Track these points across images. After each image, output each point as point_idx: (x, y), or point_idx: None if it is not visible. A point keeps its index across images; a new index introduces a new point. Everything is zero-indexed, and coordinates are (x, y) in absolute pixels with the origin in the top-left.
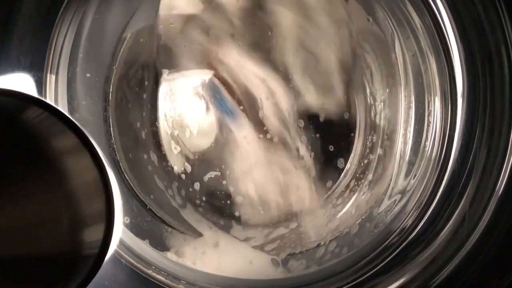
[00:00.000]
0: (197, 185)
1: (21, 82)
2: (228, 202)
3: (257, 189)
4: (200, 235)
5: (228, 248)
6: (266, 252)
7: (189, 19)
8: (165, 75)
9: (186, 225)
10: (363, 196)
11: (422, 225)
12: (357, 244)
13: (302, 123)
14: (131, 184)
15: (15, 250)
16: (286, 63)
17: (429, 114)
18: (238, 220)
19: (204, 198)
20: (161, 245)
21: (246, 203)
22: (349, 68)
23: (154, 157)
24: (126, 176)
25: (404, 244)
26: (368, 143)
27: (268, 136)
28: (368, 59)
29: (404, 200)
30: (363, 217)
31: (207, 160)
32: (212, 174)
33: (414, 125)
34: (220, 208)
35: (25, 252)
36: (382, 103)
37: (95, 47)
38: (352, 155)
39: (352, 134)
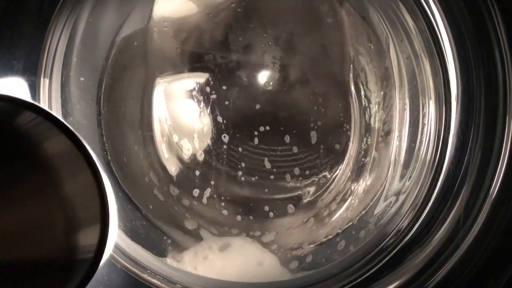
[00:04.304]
0: (195, 192)
1: (14, 86)
2: (228, 209)
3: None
4: (200, 240)
5: (229, 253)
6: (269, 254)
7: (182, 22)
8: (159, 78)
9: (185, 230)
10: (359, 198)
11: (418, 227)
12: (351, 247)
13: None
14: (126, 188)
15: (9, 255)
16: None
17: (423, 116)
18: (238, 225)
19: (203, 203)
20: (157, 249)
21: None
22: (344, 71)
23: (149, 161)
24: (120, 180)
25: (399, 246)
26: (363, 145)
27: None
28: (363, 62)
29: (399, 202)
30: (358, 219)
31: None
32: (210, 185)
33: (409, 127)
34: (221, 214)
35: (20, 257)
36: (376, 105)
37: (89, 50)
38: (346, 157)
39: (346, 136)
